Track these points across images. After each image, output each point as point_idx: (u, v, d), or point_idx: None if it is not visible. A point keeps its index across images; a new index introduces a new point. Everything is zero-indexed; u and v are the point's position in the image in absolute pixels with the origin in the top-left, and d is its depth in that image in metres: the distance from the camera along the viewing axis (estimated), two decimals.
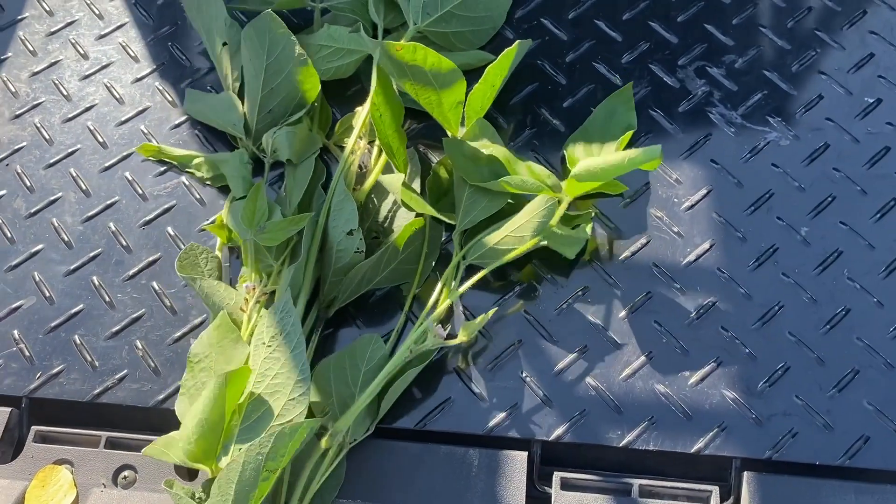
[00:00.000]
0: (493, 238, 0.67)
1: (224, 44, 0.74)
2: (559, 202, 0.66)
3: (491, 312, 0.65)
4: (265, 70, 0.71)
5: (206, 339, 0.61)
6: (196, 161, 0.74)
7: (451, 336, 0.65)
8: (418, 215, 0.69)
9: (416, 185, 0.72)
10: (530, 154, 0.76)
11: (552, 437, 0.63)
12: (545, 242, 0.68)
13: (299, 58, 0.71)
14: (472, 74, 0.74)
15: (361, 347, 0.65)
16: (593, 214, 0.71)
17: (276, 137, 0.71)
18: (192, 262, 0.68)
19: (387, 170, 0.73)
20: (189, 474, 0.64)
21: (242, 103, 0.74)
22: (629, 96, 0.73)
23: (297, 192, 0.69)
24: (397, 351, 0.64)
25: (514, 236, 0.67)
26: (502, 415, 0.64)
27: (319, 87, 0.73)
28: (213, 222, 0.72)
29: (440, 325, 0.64)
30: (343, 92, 0.79)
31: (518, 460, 0.62)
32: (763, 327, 0.67)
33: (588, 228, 0.69)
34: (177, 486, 0.55)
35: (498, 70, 0.71)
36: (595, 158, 0.66)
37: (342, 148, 0.75)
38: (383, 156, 0.72)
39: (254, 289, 0.64)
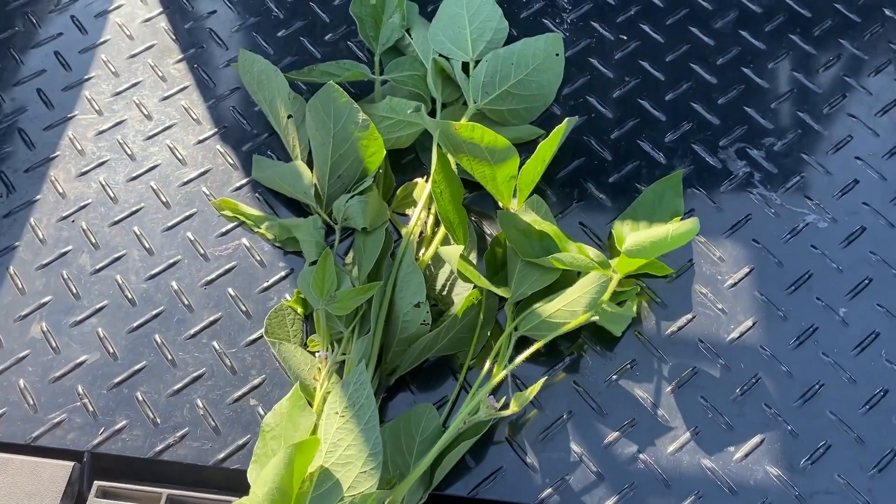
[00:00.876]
0: (546, 311, 0.70)
1: (289, 116, 0.78)
2: (610, 279, 0.69)
3: (541, 383, 0.68)
4: (332, 138, 0.74)
5: (279, 410, 0.63)
6: (267, 224, 0.77)
7: (504, 407, 0.67)
8: (475, 286, 0.72)
9: (473, 256, 0.75)
10: (577, 227, 0.79)
11: None
12: (595, 318, 0.70)
13: (363, 124, 0.74)
14: (522, 147, 0.77)
15: (416, 417, 0.67)
16: (639, 290, 0.74)
17: (349, 206, 0.74)
18: (280, 322, 0.70)
19: (444, 240, 0.76)
20: None
21: (311, 169, 0.77)
22: (678, 182, 0.77)
23: (367, 261, 0.72)
24: (451, 421, 0.66)
25: (566, 310, 0.69)
26: (553, 486, 0.66)
27: (384, 153, 0.76)
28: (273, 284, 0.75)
29: (493, 397, 0.66)
30: (398, 160, 0.82)
31: None
32: (804, 405, 0.69)
33: (634, 306, 0.72)
34: None
35: (549, 146, 0.74)
36: (641, 233, 0.69)
37: (400, 215, 0.78)
38: (441, 226, 0.75)
39: (325, 358, 0.66)
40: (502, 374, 0.68)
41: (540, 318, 0.70)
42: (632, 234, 0.69)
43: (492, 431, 0.69)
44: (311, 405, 0.65)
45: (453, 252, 0.72)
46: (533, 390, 0.67)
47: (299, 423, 0.62)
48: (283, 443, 0.62)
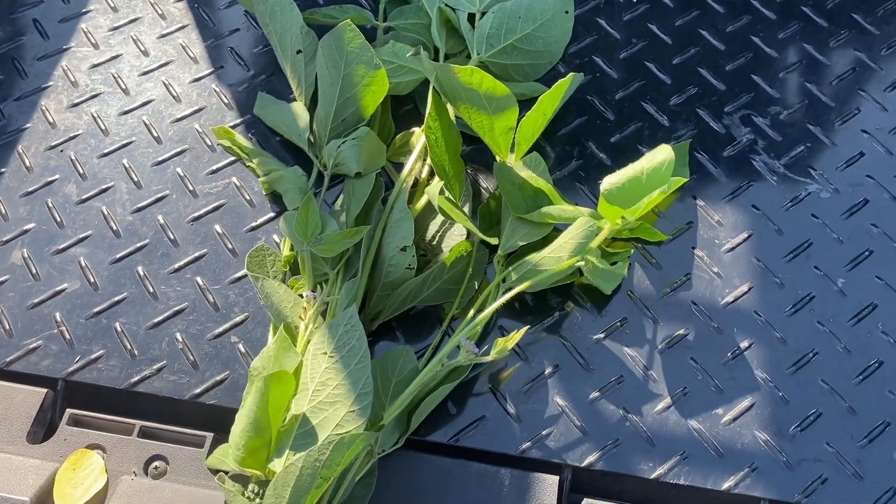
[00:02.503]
0: (533, 258, 0.68)
1: (299, 51, 0.76)
2: (598, 226, 0.67)
3: (524, 330, 0.65)
4: (342, 79, 0.73)
5: (266, 353, 0.62)
6: (259, 159, 0.76)
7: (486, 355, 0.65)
8: (468, 237, 0.71)
9: (467, 209, 0.74)
10: (575, 185, 0.77)
11: (584, 464, 0.63)
12: (585, 276, 0.69)
13: (377, 65, 0.72)
14: (524, 105, 0.76)
15: (393, 359, 0.65)
16: (631, 252, 0.72)
17: (342, 150, 0.72)
18: (261, 261, 0.69)
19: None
20: (216, 472, 0.64)
21: (313, 113, 0.76)
22: (685, 151, 0.75)
23: (355, 204, 0.70)
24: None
25: (552, 257, 0.67)
26: (535, 437, 0.64)
27: (386, 92, 0.74)
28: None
29: (473, 343, 0.64)
30: (396, 110, 0.80)
31: (549, 483, 0.62)
32: (797, 373, 0.68)
33: (625, 266, 0.71)
34: (229, 482, 0.55)
35: (550, 99, 0.72)
36: (617, 173, 0.67)
37: (395, 164, 0.77)
38: (436, 176, 0.74)
39: (314, 298, 0.65)
40: (482, 315, 0.66)
41: (527, 267, 0.68)
42: (608, 177, 0.67)
43: (476, 381, 0.67)
44: (294, 345, 0.64)
45: (434, 189, 0.71)
46: (514, 337, 0.65)
47: (284, 364, 0.61)
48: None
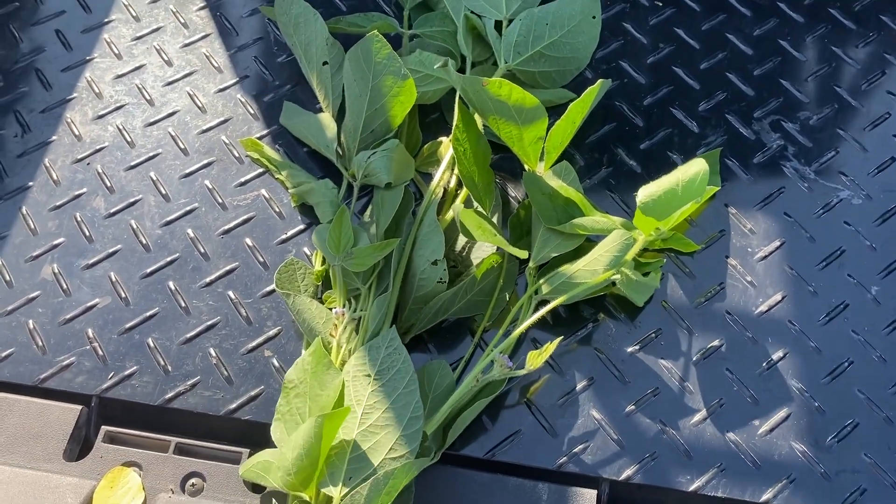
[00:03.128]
0: (567, 271, 0.68)
1: (325, 63, 0.75)
2: (633, 239, 0.67)
3: (556, 342, 0.65)
4: (370, 90, 0.72)
5: (301, 365, 0.61)
6: (288, 171, 0.75)
7: (519, 367, 0.65)
8: (498, 249, 0.70)
9: (496, 219, 0.73)
10: (605, 193, 0.77)
11: (622, 477, 0.63)
12: (618, 287, 0.68)
13: (405, 75, 0.72)
14: (551, 112, 0.75)
15: (430, 374, 0.65)
16: (664, 262, 0.72)
17: (371, 162, 0.71)
18: (290, 276, 0.68)
19: (467, 201, 0.74)
20: (255, 487, 0.64)
21: (340, 123, 0.75)
22: (716, 159, 0.75)
23: (384, 217, 0.70)
24: (464, 379, 0.64)
25: (587, 270, 0.67)
26: (572, 451, 0.64)
27: (414, 101, 0.73)
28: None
29: (507, 356, 0.64)
30: (422, 119, 0.80)
31: (587, 498, 0.62)
32: (832, 382, 0.67)
33: (658, 277, 0.70)
34: None
35: (580, 107, 0.72)
36: (652, 184, 0.67)
37: (423, 174, 0.76)
38: (463, 187, 0.73)
39: (343, 314, 0.64)
40: (517, 331, 0.66)
41: (561, 280, 0.68)
42: (643, 188, 0.67)
43: (510, 394, 0.67)
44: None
45: (459, 207, 0.70)
46: (548, 349, 0.64)
47: (325, 382, 0.61)
48: (308, 401, 0.60)
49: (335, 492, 0.56)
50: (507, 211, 0.76)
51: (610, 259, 0.66)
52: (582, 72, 0.82)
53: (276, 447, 0.60)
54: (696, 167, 0.67)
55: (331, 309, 0.67)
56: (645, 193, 0.67)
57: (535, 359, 0.64)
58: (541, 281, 0.68)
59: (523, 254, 0.69)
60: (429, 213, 0.71)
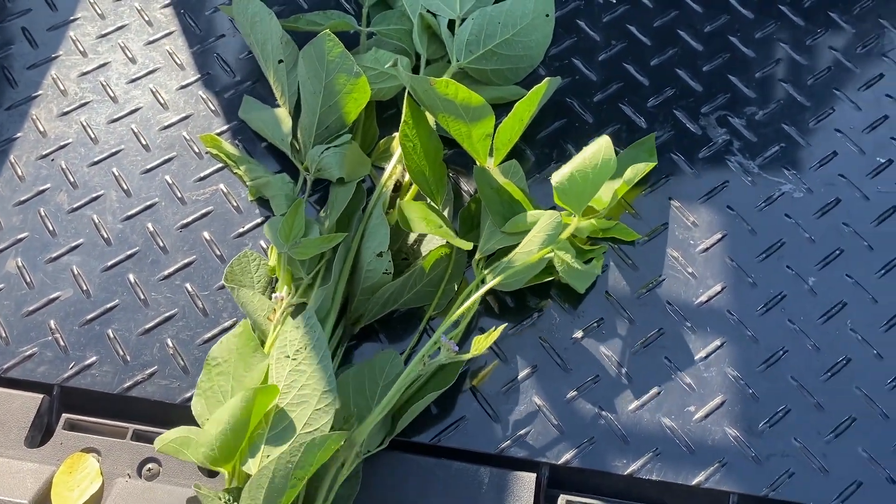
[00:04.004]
0: (507, 257, 0.70)
1: (280, 61, 0.77)
2: (564, 221, 0.69)
3: (501, 328, 0.67)
4: (324, 88, 0.74)
5: (227, 345, 0.64)
6: (246, 166, 0.78)
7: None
8: (447, 242, 0.73)
9: (447, 212, 0.76)
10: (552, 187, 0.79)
11: (560, 461, 0.66)
12: (560, 274, 0.71)
13: (357, 73, 0.74)
14: (505, 108, 0.77)
15: (381, 363, 0.68)
16: (605, 250, 0.74)
17: (324, 157, 0.74)
18: (244, 268, 0.71)
19: (419, 195, 0.76)
20: (210, 473, 0.66)
21: (296, 119, 0.77)
22: (652, 146, 0.77)
23: (335, 211, 0.72)
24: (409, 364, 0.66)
25: (523, 252, 0.69)
26: (514, 436, 0.67)
27: (367, 99, 0.75)
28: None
29: (453, 341, 0.66)
30: (380, 114, 0.82)
31: (527, 481, 0.65)
32: (767, 370, 0.70)
33: (599, 265, 0.73)
34: (205, 488, 0.57)
35: (527, 105, 0.74)
36: (565, 168, 0.71)
37: (379, 169, 0.78)
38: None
39: (282, 300, 0.67)
40: (459, 311, 0.68)
41: (502, 266, 0.69)
42: (556, 172, 0.70)
43: (457, 383, 0.69)
44: (263, 345, 0.66)
45: (407, 204, 0.72)
46: (493, 335, 0.66)
47: (251, 364, 0.63)
48: (231, 381, 0.62)
49: (253, 470, 0.59)
50: (459, 204, 0.78)
51: (543, 239, 0.68)
52: (535, 69, 0.84)
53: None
54: (599, 145, 0.70)
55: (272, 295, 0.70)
56: (558, 177, 0.69)
57: (481, 343, 0.66)
58: (486, 271, 0.70)
59: (467, 245, 0.71)
60: (377, 207, 0.73)
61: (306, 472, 0.56)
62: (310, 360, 0.62)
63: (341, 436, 0.59)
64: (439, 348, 0.66)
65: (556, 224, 0.68)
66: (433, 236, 0.75)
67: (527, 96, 0.73)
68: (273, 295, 0.68)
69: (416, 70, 0.82)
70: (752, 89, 0.84)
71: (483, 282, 0.71)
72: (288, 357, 0.62)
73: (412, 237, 0.76)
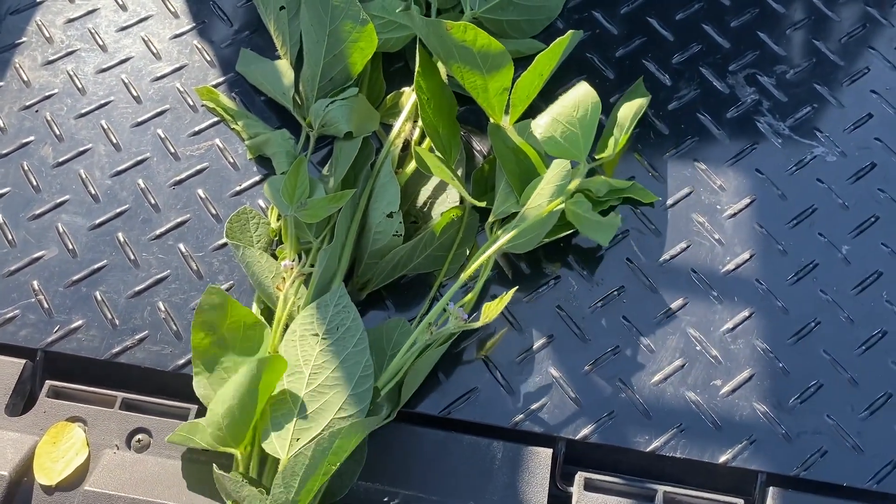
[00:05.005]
0: (519, 212, 0.65)
1: (282, 8, 0.72)
2: (573, 168, 0.65)
3: (512, 292, 0.63)
4: (328, 36, 0.69)
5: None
6: (244, 122, 0.73)
7: (475, 320, 0.63)
8: (461, 203, 0.68)
9: (460, 173, 0.71)
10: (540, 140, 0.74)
11: (578, 437, 0.62)
12: (580, 229, 0.66)
13: (363, 21, 0.69)
14: (521, 63, 0.72)
15: (388, 331, 0.63)
16: (622, 201, 0.70)
17: (329, 111, 0.69)
18: (242, 226, 0.66)
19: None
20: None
21: (298, 72, 0.72)
22: (642, 88, 0.74)
23: (341, 168, 0.68)
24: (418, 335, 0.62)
25: (534, 206, 0.65)
26: (528, 409, 0.63)
27: (374, 49, 0.70)
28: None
29: (462, 309, 0.62)
30: (386, 68, 0.77)
31: (542, 456, 0.61)
32: (798, 343, 0.66)
33: (619, 216, 0.68)
34: (233, 473, 0.53)
35: (548, 59, 0.69)
36: (545, 118, 0.68)
37: (386, 126, 0.74)
38: (427, 138, 0.71)
39: (292, 268, 0.62)
40: (466, 273, 0.63)
41: (513, 225, 0.65)
42: (535, 121, 0.68)
43: (467, 351, 0.65)
44: (269, 316, 0.62)
45: (424, 147, 0.68)
46: (503, 300, 0.62)
47: (254, 340, 0.59)
48: (229, 353, 0.58)
49: (282, 453, 0.55)
50: (471, 166, 0.73)
51: (552, 191, 0.64)
52: (553, 22, 0.79)
53: None
54: (579, 90, 0.68)
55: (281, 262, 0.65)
56: (541, 129, 0.67)
57: (492, 309, 0.62)
58: (499, 231, 0.66)
59: (480, 203, 0.66)
60: (386, 164, 0.68)
61: (339, 458, 0.53)
62: (344, 342, 0.58)
63: (375, 420, 0.55)
64: (448, 316, 0.61)
65: (565, 172, 0.63)
66: (445, 198, 0.70)
67: (548, 49, 0.68)
68: (283, 263, 0.64)
69: None
70: (782, 46, 0.79)
71: (493, 244, 0.66)
72: (317, 336, 0.58)
73: (422, 199, 0.71)
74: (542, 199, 0.64)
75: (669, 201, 0.71)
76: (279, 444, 0.55)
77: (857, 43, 0.79)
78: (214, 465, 0.55)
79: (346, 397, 0.57)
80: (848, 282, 0.68)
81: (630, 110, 0.71)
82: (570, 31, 0.69)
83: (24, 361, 0.64)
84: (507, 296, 0.62)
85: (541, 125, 0.67)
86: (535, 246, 0.66)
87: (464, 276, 0.64)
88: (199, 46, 0.79)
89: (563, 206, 0.65)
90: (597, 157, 0.69)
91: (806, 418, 0.63)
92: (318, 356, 0.58)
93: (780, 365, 0.65)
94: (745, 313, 0.67)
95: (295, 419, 0.56)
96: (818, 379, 0.64)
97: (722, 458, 0.61)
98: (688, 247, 0.69)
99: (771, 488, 0.60)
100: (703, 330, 0.66)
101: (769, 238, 0.70)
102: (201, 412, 0.61)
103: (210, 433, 0.55)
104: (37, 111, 0.75)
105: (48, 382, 0.64)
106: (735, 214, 0.71)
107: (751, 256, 0.69)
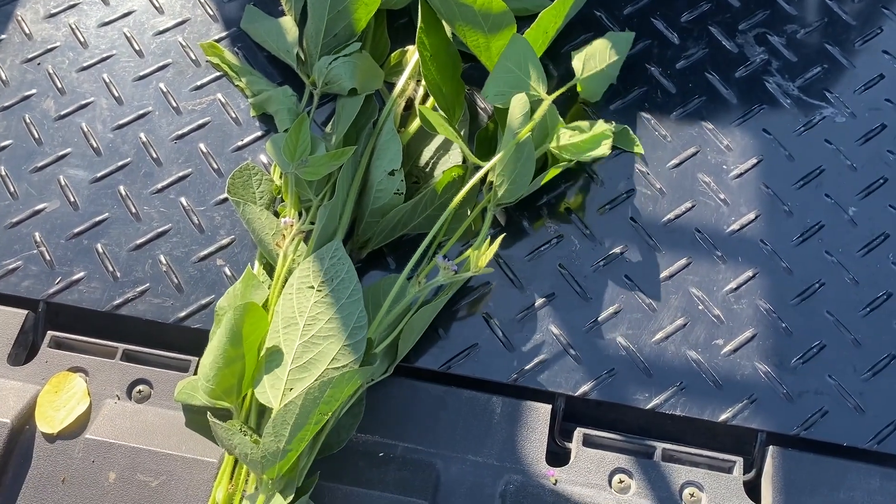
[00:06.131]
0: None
1: None
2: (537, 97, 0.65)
3: (499, 240, 0.62)
4: None
5: (232, 292, 0.60)
6: (248, 78, 0.72)
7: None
8: (463, 163, 0.67)
9: (464, 133, 0.70)
10: (579, 105, 0.73)
11: (578, 393, 0.62)
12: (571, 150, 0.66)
13: None
14: (528, 21, 0.71)
15: (386, 288, 0.63)
16: (613, 129, 0.68)
17: (332, 68, 0.68)
18: (245, 182, 0.66)
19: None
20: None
21: (302, 28, 0.72)
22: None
23: (342, 126, 0.67)
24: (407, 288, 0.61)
25: (509, 147, 0.63)
26: (528, 365, 0.63)
27: (378, 3, 0.69)
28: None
29: (450, 261, 0.61)
30: (390, 25, 0.76)
31: (541, 412, 0.61)
32: (802, 303, 0.65)
33: (608, 125, 0.67)
34: (223, 426, 0.53)
35: (553, 16, 0.68)
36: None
37: (389, 85, 0.73)
38: (431, 97, 0.70)
39: (291, 225, 0.62)
40: (464, 226, 0.63)
41: (504, 181, 0.64)
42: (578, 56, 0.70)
43: (469, 308, 0.65)
44: (271, 273, 0.62)
45: (427, 106, 0.67)
46: (491, 250, 0.61)
47: (250, 300, 0.59)
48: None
49: (275, 403, 0.55)
50: (476, 126, 0.73)
51: (519, 121, 0.63)
52: None
53: None
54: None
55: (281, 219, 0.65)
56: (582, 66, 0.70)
57: (479, 259, 0.61)
58: (494, 188, 0.65)
59: (480, 161, 0.66)
60: (388, 122, 0.68)
61: (331, 408, 0.53)
62: (338, 293, 0.57)
63: (367, 370, 0.55)
64: (437, 268, 0.61)
65: (524, 102, 0.62)
66: (448, 158, 0.69)
67: (553, 5, 0.67)
68: (283, 220, 0.63)
69: None
70: (793, 6, 0.77)
71: (490, 200, 0.65)
72: (312, 288, 0.58)
73: (424, 158, 0.70)
74: (510, 136, 0.63)
75: (675, 161, 0.70)
76: (272, 395, 0.55)
77: (870, 2, 0.78)
78: (209, 413, 0.55)
79: (340, 347, 0.56)
80: (854, 243, 0.67)
81: (603, 48, 0.71)
82: None
83: (26, 312, 0.64)
84: (496, 243, 0.61)
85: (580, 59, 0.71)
86: (525, 191, 0.65)
87: (461, 229, 0.63)
88: (202, 1, 0.78)
89: (546, 146, 0.65)
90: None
91: (807, 378, 0.62)
92: (312, 307, 0.58)
93: (783, 325, 0.64)
94: (749, 273, 0.66)
95: (288, 369, 0.56)
96: (821, 339, 0.64)
97: (722, 417, 0.61)
98: (692, 206, 0.69)
99: (770, 447, 0.60)
100: (706, 289, 0.65)
101: (775, 199, 0.69)
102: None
103: (202, 387, 0.55)
104: (39, 64, 0.75)
105: (50, 333, 0.64)
106: (741, 175, 0.70)
107: (756, 217, 0.68)
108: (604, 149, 0.65)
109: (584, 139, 0.65)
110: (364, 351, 0.56)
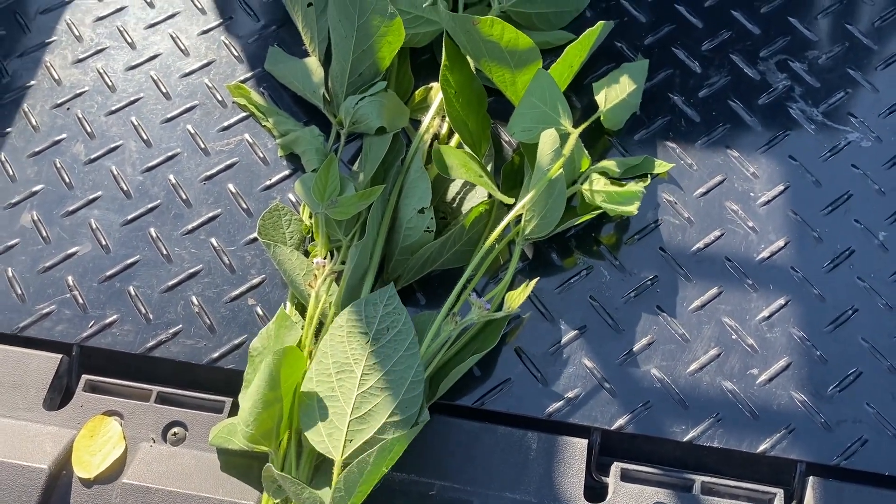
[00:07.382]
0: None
1: (309, 4, 0.72)
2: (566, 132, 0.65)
3: (535, 281, 0.63)
4: (356, 31, 0.69)
5: (266, 333, 0.60)
6: (275, 119, 0.73)
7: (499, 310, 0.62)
8: (489, 198, 0.68)
9: (490, 168, 0.71)
10: (604, 136, 0.74)
11: (614, 427, 0.61)
12: (604, 203, 0.65)
13: (391, 15, 0.68)
14: (551, 54, 0.72)
15: (420, 325, 0.63)
16: (647, 180, 0.68)
17: (359, 107, 0.69)
18: (275, 222, 0.66)
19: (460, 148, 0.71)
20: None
21: (327, 68, 0.72)
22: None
23: (371, 164, 0.67)
24: (441, 325, 0.61)
25: (538, 185, 0.63)
26: (562, 400, 0.62)
27: (402, 42, 0.70)
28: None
29: (483, 298, 0.62)
30: (414, 62, 0.77)
31: (578, 447, 0.60)
32: (836, 331, 0.65)
33: (643, 184, 0.67)
34: (288, 481, 0.53)
35: (578, 50, 0.69)
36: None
37: (415, 122, 0.73)
38: (456, 134, 0.70)
39: (323, 266, 0.62)
40: (489, 259, 0.63)
41: (534, 216, 0.64)
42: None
43: (501, 343, 0.65)
44: (303, 312, 0.62)
45: (448, 146, 0.67)
46: (526, 288, 0.62)
47: (284, 341, 0.59)
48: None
49: (335, 454, 0.55)
50: (501, 160, 0.73)
51: (550, 157, 0.63)
52: (581, 12, 0.78)
53: None
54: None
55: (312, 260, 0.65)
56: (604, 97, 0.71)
57: (515, 297, 0.62)
58: (523, 223, 0.65)
59: (509, 199, 0.66)
60: (416, 160, 0.68)
61: (393, 462, 0.54)
62: (396, 345, 0.58)
63: (422, 426, 0.56)
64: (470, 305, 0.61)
65: (556, 138, 0.62)
66: (474, 193, 0.70)
67: (578, 40, 0.68)
68: (314, 261, 0.63)
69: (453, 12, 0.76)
70: (814, 31, 0.78)
71: (518, 234, 0.65)
72: (366, 335, 0.58)
73: (451, 194, 0.71)
74: (541, 174, 0.63)
75: (702, 189, 0.71)
76: (332, 445, 0.55)
77: (890, 26, 0.78)
78: (270, 464, 0.55)
79: (399, 401, 0.56)
80: (886, 269, 0.67)
81: (622, 78, 0.72)
82: (600, 22, 0.69)
83: (60, 356, 0.65)
84: (531, 284, 0.62)
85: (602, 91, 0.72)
86: (553, 229, 0.65)
87: (487, 261, 0.63)
88: (227, 42, 0.79)
89: (577, 187, 0.65)
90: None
91: (845, 407, 0.62)
92: (368, 356, 0.57)
93: (818, 353, 0.64)
94: (781, 301, 0.66)
95: (349, 420, 0.56)
96: (857, 367, 0.63)
97: (760, 448, 0.60)
98: (721, 235, 0.69)
99: (810, 478, 0.59)
100: (738, 318, 0.65)
101: (804, 225, 0.69)
102: (237, 405, 0.62)
103: (241, 431, 0.55)
104: (68, 109, 0.76)
105: (84, 377, 0.64)
106: (769, 202, 0.70)
107: (786, 244, 0.68)
108: (633, 208, 0.65)
109: (620, 192, 0.65)
110: (421, 405, 0.57)
